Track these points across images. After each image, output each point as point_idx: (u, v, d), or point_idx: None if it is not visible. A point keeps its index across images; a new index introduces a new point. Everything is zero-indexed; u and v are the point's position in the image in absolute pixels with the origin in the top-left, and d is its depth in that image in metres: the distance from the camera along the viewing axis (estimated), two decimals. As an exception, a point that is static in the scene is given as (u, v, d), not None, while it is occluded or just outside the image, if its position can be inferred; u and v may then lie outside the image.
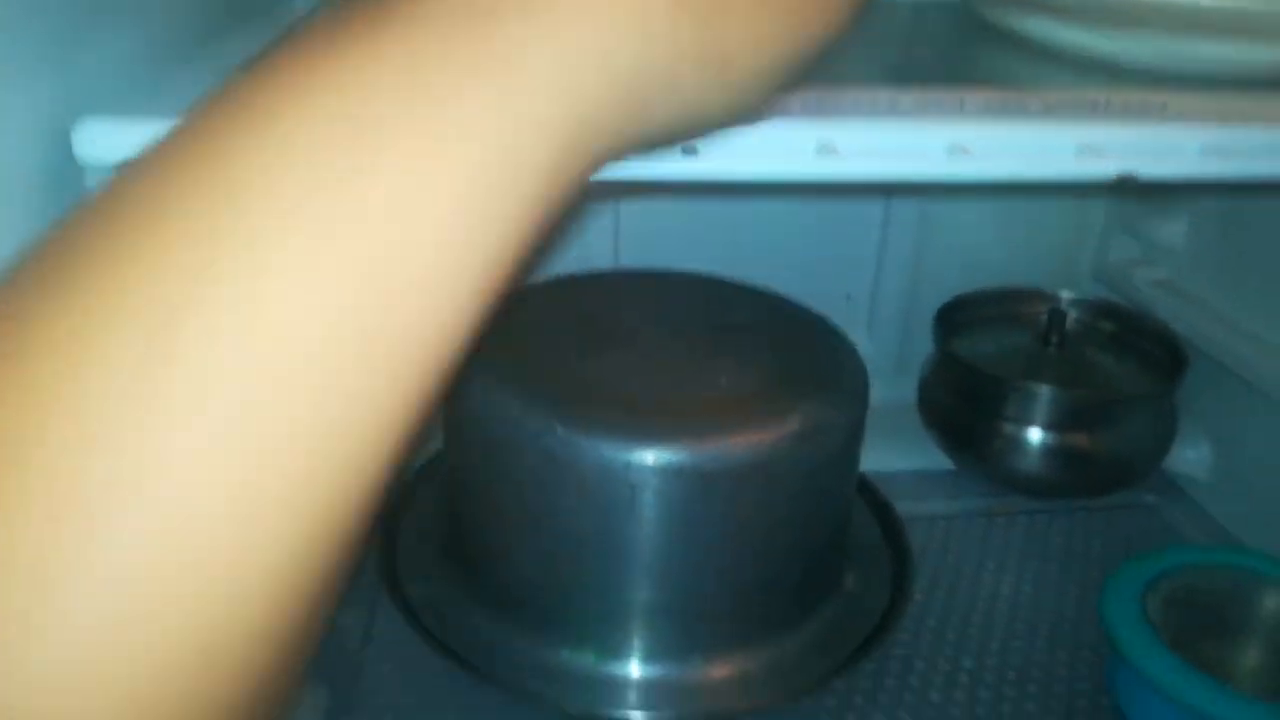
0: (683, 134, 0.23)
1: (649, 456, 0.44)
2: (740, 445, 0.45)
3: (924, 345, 0.68)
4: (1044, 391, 0.60)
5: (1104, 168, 0.32)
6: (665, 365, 0.52)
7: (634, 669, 0.48)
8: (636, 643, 0.48)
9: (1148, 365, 0.64)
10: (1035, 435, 0.61)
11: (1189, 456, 0.67)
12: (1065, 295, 0.68)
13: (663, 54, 0.19)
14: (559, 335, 0.55)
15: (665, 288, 0.59)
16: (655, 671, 0.48)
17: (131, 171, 0.17)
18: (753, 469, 0.45)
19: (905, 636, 0.53)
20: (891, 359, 0.74)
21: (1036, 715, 0.49)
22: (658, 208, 0.68)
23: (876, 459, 0.62)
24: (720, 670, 0.49)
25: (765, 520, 0.48)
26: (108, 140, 0.30)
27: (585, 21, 0.18)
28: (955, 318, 0.67)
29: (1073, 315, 0.68)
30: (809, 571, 0.51)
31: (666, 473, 0.44)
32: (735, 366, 0.52)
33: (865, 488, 0.61)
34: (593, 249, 0.68)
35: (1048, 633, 0.54)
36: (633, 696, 0.48)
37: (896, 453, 0.68)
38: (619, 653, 0.48)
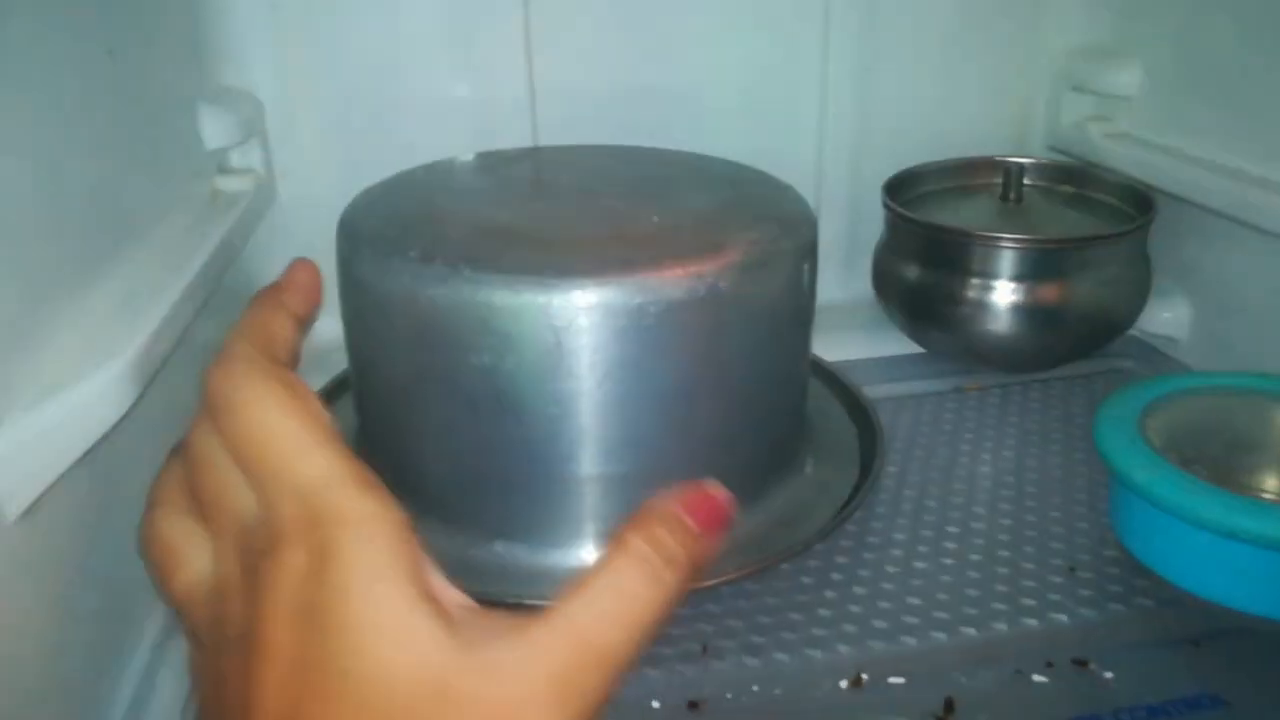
0: None
1: (575, 294, 0.38)
2: (678, 277, 0.39)
3: (873, 232, 0.63)
4: (1011, 240, 0.55)
5: None
6: (588, 210, 0.46)
7: (582, 555, 0.42)
8: (582, 525, 0.42)
9: (1114, 217, 0.59)
10: (1004, 292, 0.56)
11: (1165, 317, 0.62)
12: (1019, 160, 0.64)
13: None
14: (462, 194, 0.49)
15: (584, 153, 0.54)
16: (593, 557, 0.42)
17: None
18: (694, 305, 0.39)
19: (882, 510, 0.48)
20: (841, 251, 0.69)
21: (1036, 573, 0.43)
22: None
23: (834, 351, 0.57)
24: None
25: (712, 371, 0.42)
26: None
27: None
28: (905, 191, 0.62)
29: (1030, 180, 0.63)
30: (767, 438, 0.46)
31: (596, 312, 0.38)
32: (667, 206, 0.46)
33: (822, 373, 0.56)
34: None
35: (1036, 494, 0.49)
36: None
37: (855, 344, 0.62)
38: (561, 539, 0.42)
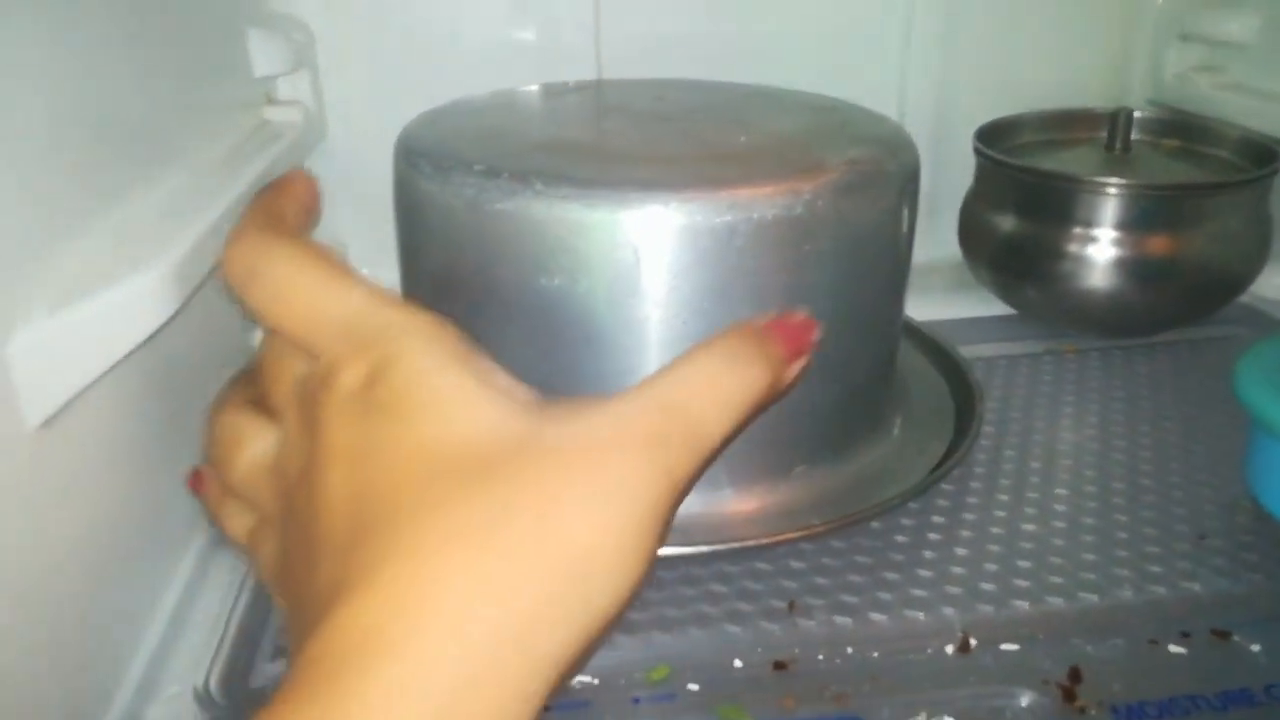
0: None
1: (656, 209, 0.34)
2: (772, 194, 0.35)
3: (957, 190, 0.59)
4: (1119, 186, 0.50)
5: None
6: (667, 130, 0.42)
7: None
8: None
9: (1230, 171, 0.54)
10: (1107, 245, 0.51)
11: (1284, 282, 0.57)
12: (1128, 110, 0.59)
13: None
14: (529, 115, 0.46)
15: (657, 84, 0.50)
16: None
17: None
18: (788, 227, 0.35)
19: (981, 470, 0.43)
20: (923, 207, 0.65)
21: (1161, 539, 0.39)
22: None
23: (916, 312, 0.52)
24: (749, 503, 0.39)
25: (803, 303, 0.37)
26: None
27: None
28: (998, 142, 0.58)
29: (1134, 134, 0.58)
30: (857, 386, 0.41)
31: (680, 230, 0.34)
32: (754, 128, 0.42)
33: (911, 332, 0.52)
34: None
35: (1152, 459, 0.44)
36: None
37: (939, 304, 0.58)
38: None
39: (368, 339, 0.21)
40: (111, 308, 0.30)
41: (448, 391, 0.21)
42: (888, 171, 0.38)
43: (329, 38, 0.56)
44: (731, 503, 0.38)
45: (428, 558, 0.19)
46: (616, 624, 0.20)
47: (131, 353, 0.31)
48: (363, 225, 0.57)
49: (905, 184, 0.40)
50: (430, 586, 0.18)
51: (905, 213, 0.41)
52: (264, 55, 0.49)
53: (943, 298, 0.60)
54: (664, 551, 0.35)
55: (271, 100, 0.52)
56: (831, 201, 0.36)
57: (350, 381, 0.21)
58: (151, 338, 0.32)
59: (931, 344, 0.51)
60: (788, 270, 0.36)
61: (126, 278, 0.31)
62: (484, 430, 0.20)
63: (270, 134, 0.48)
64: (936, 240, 0.63)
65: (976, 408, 0.44)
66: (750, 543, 0.37)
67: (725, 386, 0.23)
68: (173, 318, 0.33)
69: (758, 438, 0.37)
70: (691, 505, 0.37)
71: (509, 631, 0.18)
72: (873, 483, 0.40)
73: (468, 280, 0.38)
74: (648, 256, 0.35)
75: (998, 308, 0.59)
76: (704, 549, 0.36)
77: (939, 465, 0.41)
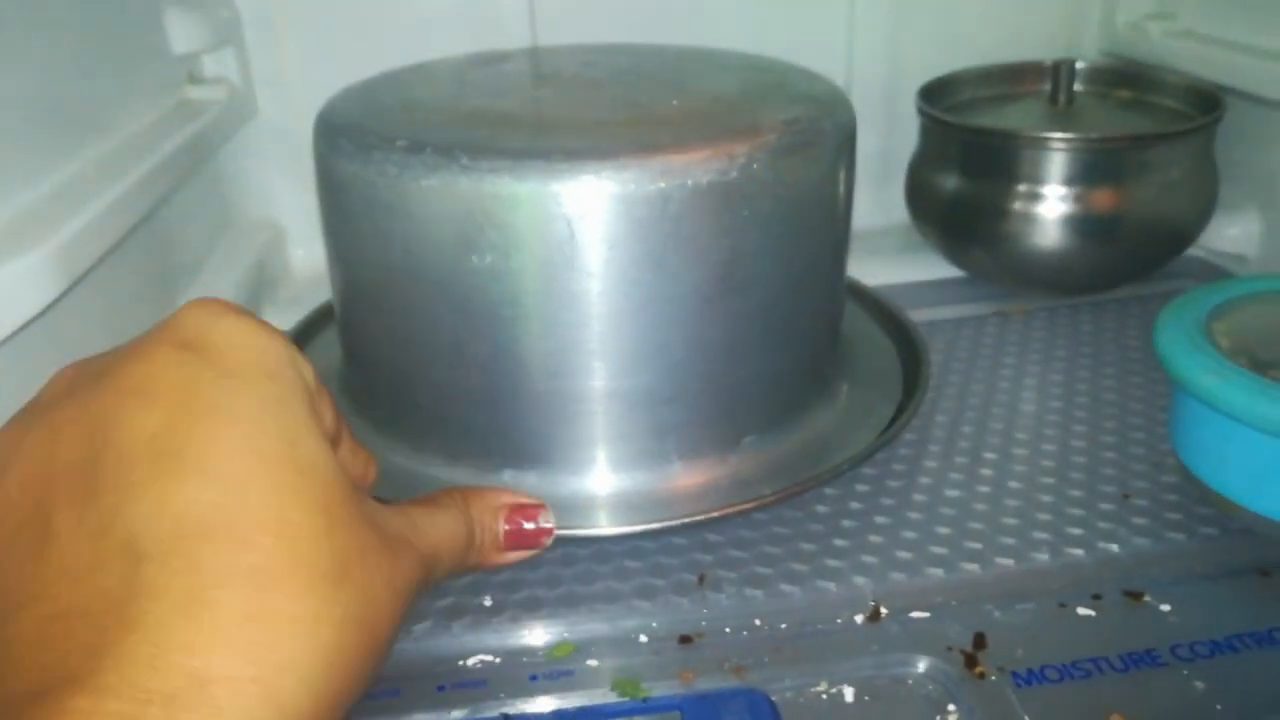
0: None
1: (588, 179, 0.33)
2: (707, 158, 0.34)
3: (907, 151, 0.58)
4: (1060, 141, 0.49)
5: None
6: (598, 97, 0.41)
7: (595, 481, 0.38)
8: (596, 448, 0.37)
9: (1177, 121, 0.53)
10: (1052, 202, 0.50)
11: (1232, 233, 0.56)
12: (1070, 59, 0.57)
13: None
14: (455, 85, 0.45)
15: (589, 50, 0.49)
16: (622, 483, 0.38)
17: None
18: (725, 191, 0.34)
19: (911, 437, 0.43)
20: (873, 172, 0.64)
21: (1085, 501, 0.38)
22: None
23: (865, 277, 0.52)
24: (694, 478, 0.38)
25: (743, 270, 0.36)
26: None
27: None
28: (943, 99, 0.57)
29: (1082, 85, 0.57)
30: (800, 351, 0.41)
31: (613, 199, 0.33)
32: (687, 91, 0.42)
33: (857, 293, 0.51)
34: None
35: (1085, 420, 0.44)
36: (602, 515, 0.37)
37: (887, 269, 0.57)
38: (574, 464, 0.38)
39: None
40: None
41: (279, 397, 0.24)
42: (824, 131, 0.38)
43: (256, 12, 0.55)
44: (681, 477, 0.38)
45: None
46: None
47: (12, 337, 0.30)
48: (299, 205, 0.56)
49: (842, 143, 0.39)
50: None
51: (843, 173, 0.40)
52: (183, 32, 0.48)
53: (895, 262, 0.59)
54: (615, 530, 0.36)
55: (195, 79, 0.51)
56: (768, 163, 0.35)
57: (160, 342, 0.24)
58: (37, 322, 0.31)
59: (878, 306, 0.51)
60: (725, 236, 0.36)
61: (7, 262, 0.30)
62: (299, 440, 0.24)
63: (190, 113, 0.48)
64: (889, 205, 0.62)
65: (923, 369, 0.44)
66: (700, 517, 0.36)
67: (453, 555, 0.29)
68: (59, 301, 0.32)
69: (704, 409, 0.38)
70: (629, 482, 0.38)
71: None
72: (821, 450, 0.40)
73: (395, 263, 0.36)
74: (581, 228, 0.34)
75: (949, 270, 0.58)
76: (654, 526, 0.36)
77: (887, 428, 0.41)
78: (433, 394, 0.38)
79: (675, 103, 0.40)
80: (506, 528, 0.31)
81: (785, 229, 0.37)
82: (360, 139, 0.36)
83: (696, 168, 0.34)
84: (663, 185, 0.34)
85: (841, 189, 0.40)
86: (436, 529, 0.28)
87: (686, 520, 0.36)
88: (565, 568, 0.36)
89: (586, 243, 0.34)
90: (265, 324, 0.24)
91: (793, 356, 0.40)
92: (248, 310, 0.24)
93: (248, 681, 0.20)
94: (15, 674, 0.20)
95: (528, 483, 0.37)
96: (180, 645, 0.19)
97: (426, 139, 0.35)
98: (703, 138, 0.35)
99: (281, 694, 0.20)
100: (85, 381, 0.23)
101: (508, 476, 0.38)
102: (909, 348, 0.47)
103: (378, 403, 0.41)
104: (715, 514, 0.36)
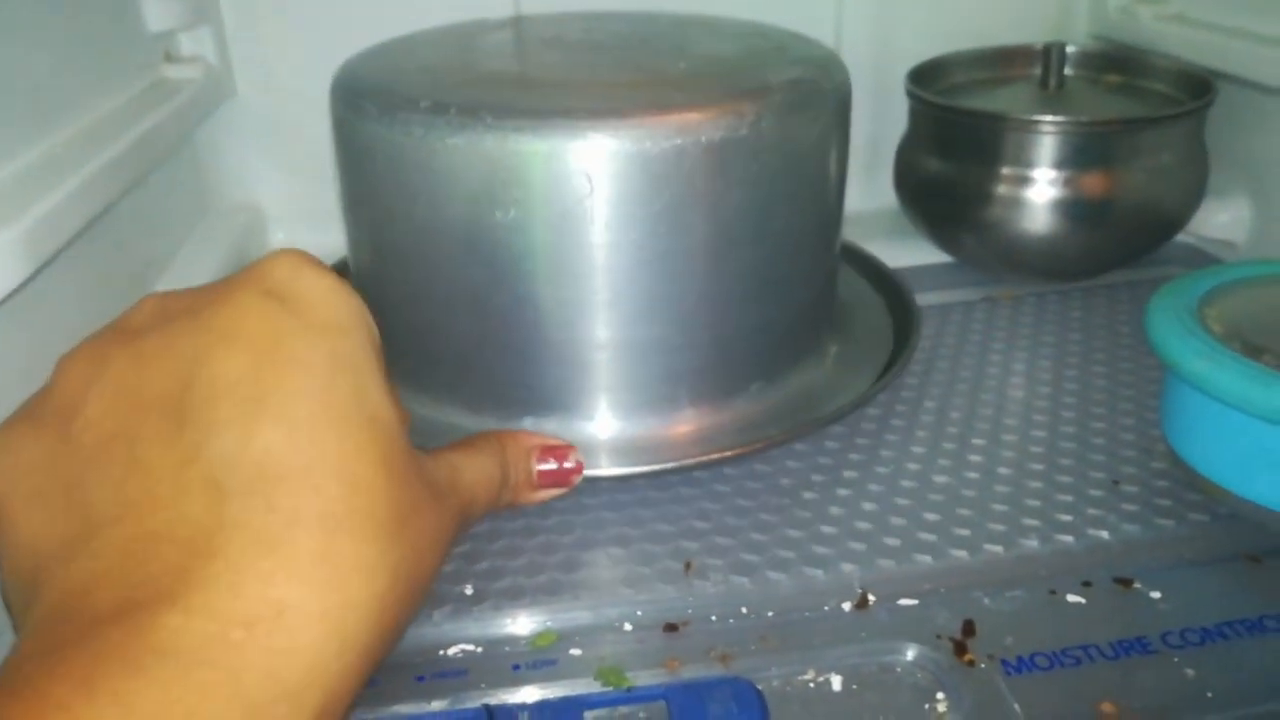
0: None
1: (608, 136, 0.35)
2: (719, 116, 0.36)
3: (897, 136, 0.57)
4: (1050, 124, 0.48)
5: None
6: (607, 60, 0.43)
7: (612, 426, 0.39)
8: (612, 394, 0.39)
9: (1168, 106, 0.53)
10: (1042, 186, 0.49)
11: (1222, 219, 0.56)
12: (1061, 42, 0.57)
13: None
14: (468, 50, 0.45)
15: (590, 17, 0.49)
16: (635, 429, 0.39)
17: None
18: (736, 147, 0.36)
19: (899, 424, 0.42)
20: (862, 156, 0.63)
21: (1075, 488, 0.38)
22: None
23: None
24: (703, 422, 0.40)
25: (752, 222, 0.38)
26: None
27: None
28: (932, 83, 0.56)
29: (1072, 70, 0.57)
30: (807, 299, 0.42)
31: (633, 155, 0.35)
32: (692, 54, 0.43)
33: (852, 255, 0.53)
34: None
35: (1075, 406, 0.43)
36: (602, 458, 0.38)
37: (878, 251, 0.56)
38: (591, 410, 0.39)
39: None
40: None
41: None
42: (825, 90, 0.40)
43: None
44: (692, 422, 0.40)
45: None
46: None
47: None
48: (279, 187, 0.55)
49: (841, 102, 0.41)
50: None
51: (840, 132, 0.42)
52: (158, 9, 0.47)
53: (883, 247, 0.58)
54: (623, 471, 0.37)
55: (171, 57, 0.50)
56: (776, 121, 0.37)
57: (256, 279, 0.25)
58: (7, 304, 0.30)
59: (871, 265, 0.53)
60: (736, 191, 0.37)
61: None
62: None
63: (166, 92, 0.47)
64: (878, 190, 0.61)
65: (914, 325, 0.46)
66: (714, 456, 0.38)
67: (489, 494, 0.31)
68: (28, 284, 0.31)
69: (714, 356, 0.39)
70: (630, 428, 0.39)
71: None
72: (823, 395, 0.42)
73: (419, 220, 0.38)
74: (601, 183, 0.35)
75: (938, 255, 0.57)
76: (688, 462, 0.38)
77: (881, 377, 0.43)
78: (455, 346, 0.39)
79: (682, 65, 0.41)
80: (540, 467, 0.33)
81: (790, 184, 0.39)
82: (384, 101, 0.37)
83: (709, 125, 0.36)
84: (678, 142, 0.35)
85: (840, 147, 0.43)
86: (474, 471, 0.30)
87: (704, 459, 0.38)
88: (548, 555, 0.35)
89: (605, 198, 0.35)
90: (341, 280, 0.25)
91: (795, 306, 0.42)
92: (325, 264, 0.25)
93: (318, 616, 0.21)
94: (101, 587, 0.21)
95: (548, 429, 0.39)
96: (259, 576, 0.21)
97: (450, 100, 0.36)
98: (714, 97, 0.37)
99: (345, 630, 0.22)
100: (171, 316, 0.24)
101: (528, 424, 0.39)
102: (900, 305, 0.49)
103: (400, 357, 0.42)
104: (729, 453, 0.38)
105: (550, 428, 0.38)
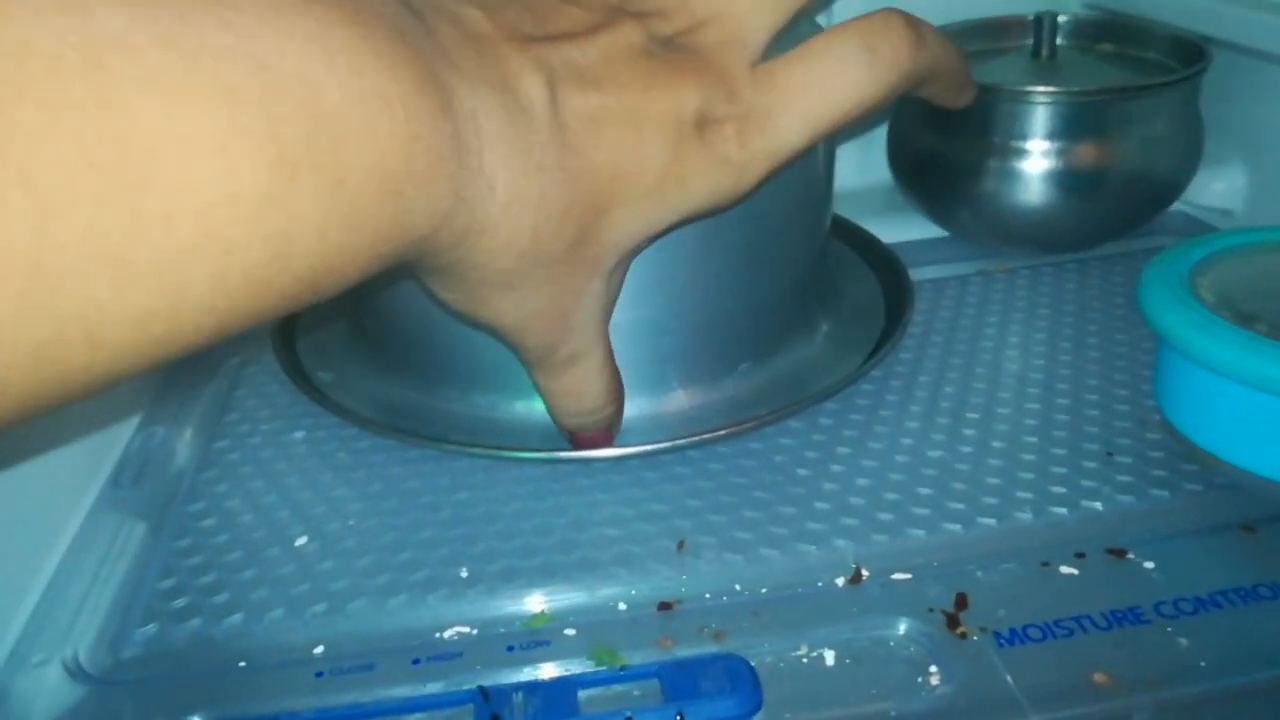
0: None
1: None
2: None
3: (889, 108, 0.57)
4: (1041, 95, 0.48)
5: None
6: None
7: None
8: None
9: (1162, 74, 0.52)
10: (1034, 157, 0.49)
11: (1218, 188, 0.56)
12: (1052, 15, 0.56)
13: None
14: None
15: None
16: (629, 409, 0.39)
17: None
18: None
19: (893, 399, 0.42)
20: (855, 128, 0.63)
21: (1068, 460, 0.38)
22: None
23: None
24: (693, 401, 0.40)
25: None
26: None
27: None
28: (924, 54, 0.56)
29: (1065, 39, 0.56)
30: (800, 274, 0.43)
31: None
32: None
33: (845, 231, 0.53)
34: None
35: (1069, 378, 0.43)
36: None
37: (872, 227, 0.56)
38: None
39: None
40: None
41: None
42: None
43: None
44: (682, 401, 0.40)
45: None
46: None
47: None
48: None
49: None
50: None
51: None
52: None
53: (877, 222, 0.58)
54: (619, 452, 0.37)
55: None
56: None
57: None
58: None
59: (864, 241, 0.52)
60: None
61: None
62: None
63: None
64: (870, 166, 0.61)
65: (908, 300, 0.46)
66: (707, 435, 0.38)
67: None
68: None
69: (702, 337, 0.40)
70: (643, 405, 0.39)
71: None
72: (814, 373, 0.43)
73: None
74: None
75: (932, 230, 0.57)
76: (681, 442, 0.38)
77: (872, 354, 0.43)
78: (443, 330, 0.39)
79: None
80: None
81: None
82: None
83: None
84: None
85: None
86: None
87: (698, 438, 0.38)
88: (543, 537, 0.35)
89: None
90: None
91: (784, 284, 0.42)
92: None
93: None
94: None
95: (540, 413, 0.38)
96: None
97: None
98: None
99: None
100: None
101: (520, 407, 0.39)
102: (894, 280, 0.49)
103: (390, 342, 0.42)
104: (723, 431, 0.38)
105: (542, 411, 0.38)
